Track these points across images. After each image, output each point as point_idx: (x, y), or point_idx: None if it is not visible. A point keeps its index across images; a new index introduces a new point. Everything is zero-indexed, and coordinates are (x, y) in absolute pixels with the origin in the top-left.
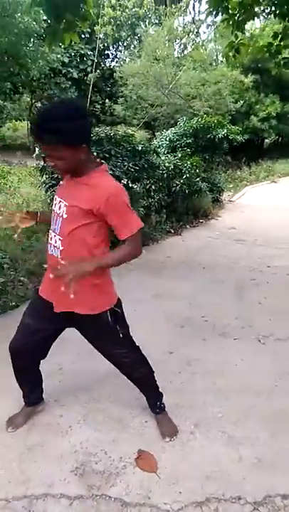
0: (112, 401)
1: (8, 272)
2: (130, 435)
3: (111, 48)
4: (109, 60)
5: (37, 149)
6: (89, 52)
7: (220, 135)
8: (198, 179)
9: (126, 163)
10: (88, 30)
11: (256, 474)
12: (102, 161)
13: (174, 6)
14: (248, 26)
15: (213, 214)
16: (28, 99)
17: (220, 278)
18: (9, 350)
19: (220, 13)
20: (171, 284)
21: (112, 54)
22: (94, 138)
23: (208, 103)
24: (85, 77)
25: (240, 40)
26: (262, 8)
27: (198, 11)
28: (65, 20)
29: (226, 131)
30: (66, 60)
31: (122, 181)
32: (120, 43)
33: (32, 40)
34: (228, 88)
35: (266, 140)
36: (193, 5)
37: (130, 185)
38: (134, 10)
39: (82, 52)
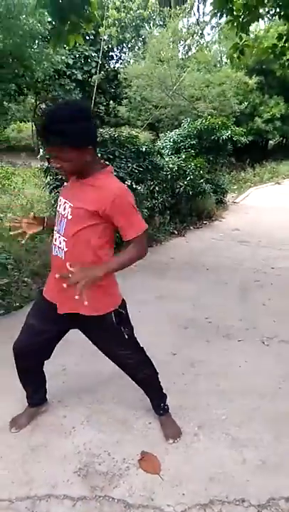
0: (116, 402)
1: (12, 273)
2: (134, 436)
3: (115, 49)
4: (114, 61)
5: (41, 151)
6: (93, 54)
7: (224, 136)
8: (202, 180)
9: (130, 165)
10: (93, 31)
11: (260, 477)
12: (107, 163)
13: (178, 8)
14: (252, 28)
15: (217, 215)
16: (33, 100)
17: (224, 279)
18: (13, 350)
19: (224, 15)
20: (175, 285)
21: (117, 55)
22: (98, 139)
23: (212, 104)
24: (90, 79)
25: (244, 42)
26: (266, 9)
27: (203, 13)
28: (70, 21)
29: (230, 132)
30: (70, 61)
31: (126, 182)
32: (124, 44)
33: (36, 41)
34: (232, 89)
35: (270, 141)
36: (198, 6)
37: (134, 186)
38: (138, 12)
39: (87, 53)
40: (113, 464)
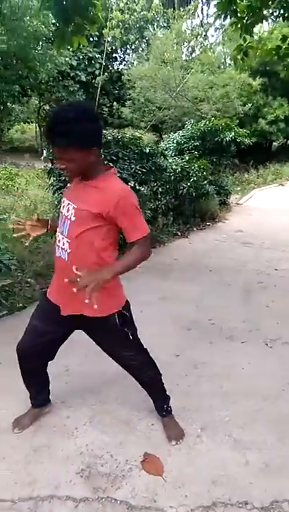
0: (119, 403)
1: (16, 274)
2: (137, 438)
3: (119, 51)
4: (117, 63)
5: (45, 152)
6: (97, 56)
7: (228, 138)
8: (205, 182)
9: (133, 166)
10: (96, 33)
11: (263, 479)
12: (111, 164)
13: (182, 9)
14: (256, 29)
15: (221, 217)
16: (37, 101)
17: (227, 281)
18: (16, 351)
19: (228, 17)
20: (178, 286)
21: (120, 57)
22: (101, 140)
23: (216, 106)
24: (93, 80)
25: (248, 43)
26: (270, 11)
27: (207, 14)
28: (74, 23)
29: (233, 134)
30: (74, 63)
31: (130, 184)
32: (128, 46)
33: (40, 43)
34: (236, 91)
35: (274, 143)
36: (202, 8)
37: (137, 187)
38: (142, 13)
39: (91, 55)
40: (116, 466)
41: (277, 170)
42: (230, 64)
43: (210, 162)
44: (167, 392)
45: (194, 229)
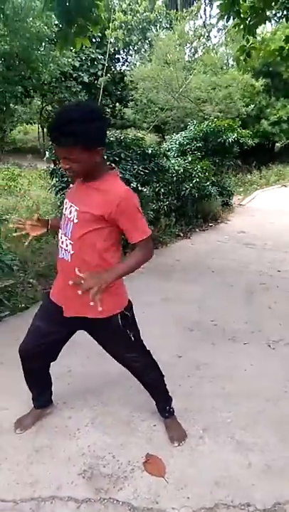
0: (121, 404)
1: (18, 274)
2: (139, 439)
3: (122, 52)
4: (120, 64)
5: (47, 152)
6: (100, 57)
7: (230, 139)
8: (208, 183)
9: (136, 167)
10: (99, 34)
11: (266, 481)
12: (113, 165)
13: (185, 10)
14: (259, 30)
15: (223, 218)
16: (39, 102)
17: (229, 282)
18: (19, 352)
19: (231, 18)
20: (181, 287)
21: (123, 58)
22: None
23: (218, 107)
24: (96, 81)
25: (251, 44)
26: (273, 12)
27: (210, 15)
28: (77, 24)
29: (236, 135)
30: (77, 64)
31: (132, 184)
32: (131, 47)
33: (43, 44)
34: (238, 92)
35: (277, 144)
36: (205, 9)
37: (140, 188)
38: (145, 14)
39: (93, 56)
40: (118, 467)
41: (280, 171)
42: (233, 65)
43: (212, 163)
44: (170, 394)
45: (196, 230)
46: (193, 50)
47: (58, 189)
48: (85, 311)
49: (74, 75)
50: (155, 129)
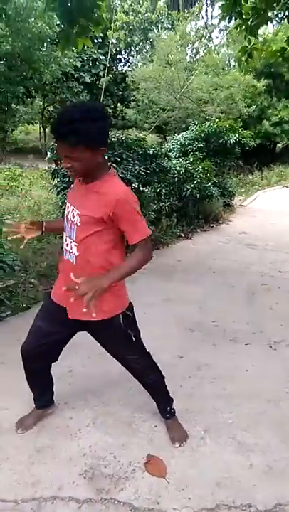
0: (122, 405)
1: (19, 274)
2: (140, 439)
3: (123, 52)
4: (122, 64)
5: (49, 153)
6: (101, 57)
7: (232, 140)
8: (209, 184)
9: (137, 167)
10: (101, 34)
11: (267, 482)
12: (114, 165)
13: (186, 11)
14: (260, 31)
15: (224, 218)
16: (41, 103)
17: (231, 283)
18: (21, 353)
19: (233, 18)
20: (182, 288)
21: (125, 58)
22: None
23: (220, 108)
24: (97, 82)
25: (253, 45)
26: (275, 12)
27: (211, 16)
28: (79, 25)
29: (237, 135)
30: (78, 64)
31: (133, 185)
32: (132, 47)
33: (45, 44)
34: (240, 93)
35: (278, 145)
36: (206, 10)
37: (141, 188)
38: (146, 15)
39: (95, 56)
40: (119, 467)
41: (281, 172)
42: (234, 65)
43: (214, 164)
44: (170, 394)
45: (198, 230)
46: (194, 51)
47: (59, 189)
48: (88, 315)
49: (75, 76)
50: (156, 129)
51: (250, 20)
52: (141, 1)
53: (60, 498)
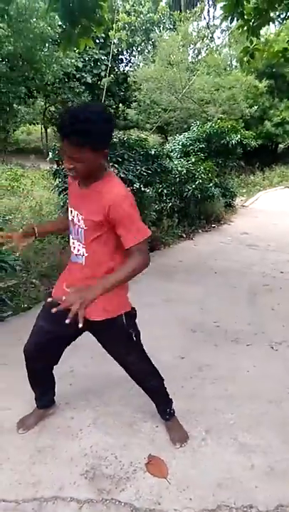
0: (123, 405)
1: (21, 274)
2: (141, 440)
3: (125, 52)
4: (123, 64)
5: (50, 153)
6: (103, 57)
7: (233, 140)
8: (211, 184)
9: (139, 168)
10: (102, 35)
11: (268, 483)
12: (116, 166)
13: (188, 11)
14: (262, 31)
15: (226, 219)
16: (42, 103)
17: (232, 283)
18: (24, 352)
19: (235, 19)
20: (183, 288)
21: (126, 59)
22: None
23: (222, 108)
24: (99, 82)
25: (255, 45)
26: (277, 13)
27: (213, 16)
28: (81, 25)
29: (239, 136)
30: (80, 64)
31: (135, 185)
32: (134, 47)
33: (47, 45)
34: (242, 93)
35: (280, 145)
36: (208, 10)
37: (143, 189)
38: (148, 15)
39: (96, 57)
40: (120, 467)
41: (283, 172)
42: (236, 66)
43: (215, 164)
44: (172, 395)
45: (199, 231)
46: (196, 51)
47: (61, 189)
48: (91, 315)
49: (77, 76)
50: (158, 129)
51: (252, 20)
52: (143, 2)
53: (61, 498)
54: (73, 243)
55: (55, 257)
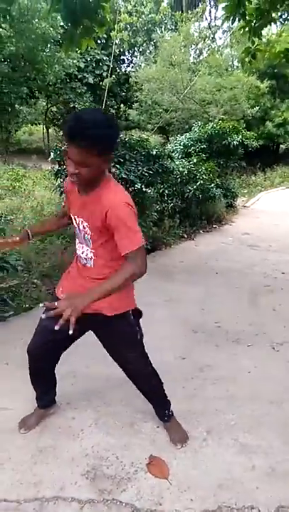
0: (124, 405)
1: (22, 275)
2: (142, 440)
3: (127, 53)
4: (125, 65)
5: (52, 153)
6: (105, 58)
7: (235, 141)
8: (212, 185)
9: (140, 168)
10: (104, 35)
11: (269, 483)
12: (118, 166)
13: (190, 12)
14: (264, 32)
15: (227, 219)
16: (44, 103)
17: (233, 284)
18: (27, 352)
19: (236, 19)
20: (184, 288)
21: (128, 59)
22: None
23: (223, 109)
24: (101, 82)
25: (256, 46)
26: (279, 13)
27: (215, 17)
28: (83, 25)
29: (241, 136)
30: (82, 65)
31: (136, 186)
32: (136, 48)
33: (49, 45)
34: (243, 94)
35: (281, 146)
36: (210, 11)
37: (144, 189)
38: (150, 16)
39: (98, 57)
40: (121, 468)
41: (284, 173)
42: (238, 66)
43: (217, 165)
44: (173, 395)
45: (201, 231)
46: (198, 52)
47: (62, 190)
48: (101, 308)
49: (79, 76)
50: (159, 130)
51: (254, 21)
52: (144, 2)
53: (63, 498)
54: (82, 247)
55: (56, 257)
